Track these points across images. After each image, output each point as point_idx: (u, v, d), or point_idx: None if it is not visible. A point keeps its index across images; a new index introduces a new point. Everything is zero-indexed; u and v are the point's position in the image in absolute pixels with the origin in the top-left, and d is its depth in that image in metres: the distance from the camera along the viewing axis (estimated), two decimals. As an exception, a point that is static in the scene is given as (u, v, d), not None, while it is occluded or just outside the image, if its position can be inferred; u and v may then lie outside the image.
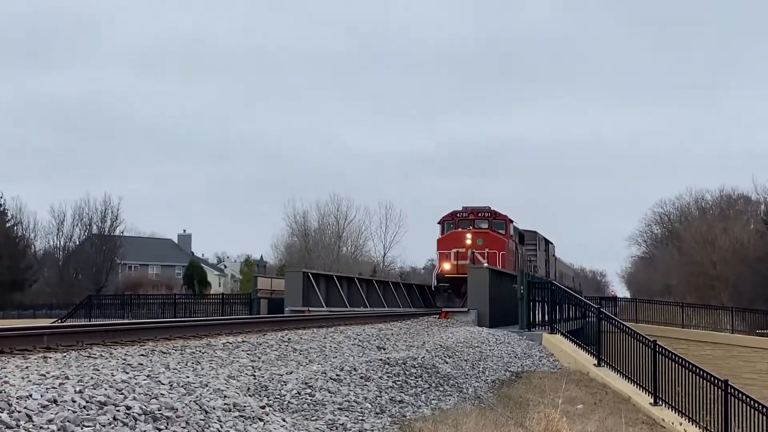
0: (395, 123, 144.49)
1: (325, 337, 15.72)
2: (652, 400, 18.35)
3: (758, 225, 64.58)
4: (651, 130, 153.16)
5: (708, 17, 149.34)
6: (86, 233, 79.27)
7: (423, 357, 14.12)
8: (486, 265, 31.26)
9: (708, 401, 18.63)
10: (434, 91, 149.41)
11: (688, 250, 66.70)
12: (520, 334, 23.27)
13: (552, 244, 54.12)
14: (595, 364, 20.51)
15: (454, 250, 34.16)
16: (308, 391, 9.68)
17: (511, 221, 37.40)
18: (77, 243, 79.00)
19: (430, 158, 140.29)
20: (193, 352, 11.45)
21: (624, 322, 23.57)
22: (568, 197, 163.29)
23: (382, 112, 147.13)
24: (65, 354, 10.33)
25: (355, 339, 16.13)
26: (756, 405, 19.08)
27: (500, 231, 36.03)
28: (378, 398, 10.51)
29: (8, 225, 70.15)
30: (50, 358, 9.85)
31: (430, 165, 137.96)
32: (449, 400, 12.18)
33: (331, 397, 9.76)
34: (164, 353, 11.07)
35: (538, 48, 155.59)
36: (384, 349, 15.39)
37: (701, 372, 18.81)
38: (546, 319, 24.35)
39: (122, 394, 7.21)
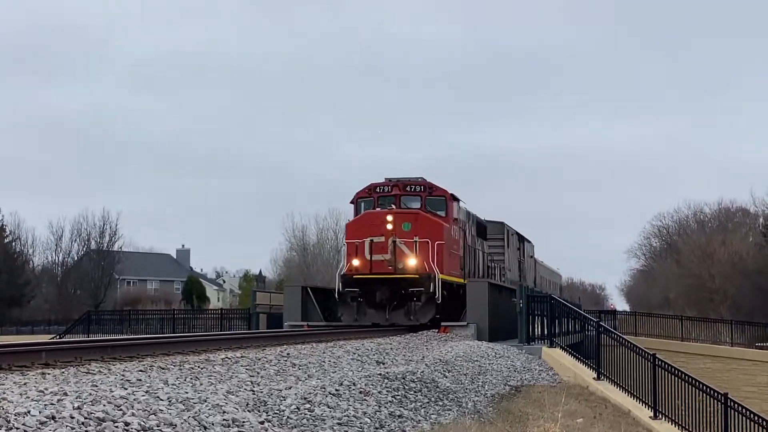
0: (394, 135, 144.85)
1: (324, 352, 15.69)
2: (651, 414, 18.32)
3: (757, 238, 64.62)
4: (648, 142, 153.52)
5: (706, 30, 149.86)
6: (85, 249, 79.29)
7: (422, 371, 14.10)
8: (414, 261, 24.33)
9: (708, 414, 18.61)
10: (432, 102, 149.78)
11: (686, 263, 66.67)
12: (520, 348, 23.22)
13: (529, 242, 45.32)
14: (594, 378, 20.48)
15: (369, 239, 24.41)
16: (307, 406, 9.65)
17: (457, 200, 27.45)
18: (75, 258, 79.00)
19: (428, 170, 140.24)
20: (192, 368, 11.42)
21: (623, 336, 23.57)
22: (566, 210, 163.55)
23: (380, 124, 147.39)
24: (63, 370, 10.31)
25: (354, 353, 16.11)
26: (756, 418, 19.06)
27: (439, 212, 26.09)
28: (377, 413, 10.49)
29: (6, 241, 70.11)
30: (48, 374, 9.83)
31: (428, 177, 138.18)
32: (449, 414, 12.15)
33: (331, 412, 9.74)
34: (163, 369, 11.05)
35: (535, 60, 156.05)
36: (383, 364, 15.36)
37: (701, 385, 18.79)
38: (545, 332, 24.33)
39: (121, 410, 7.20)
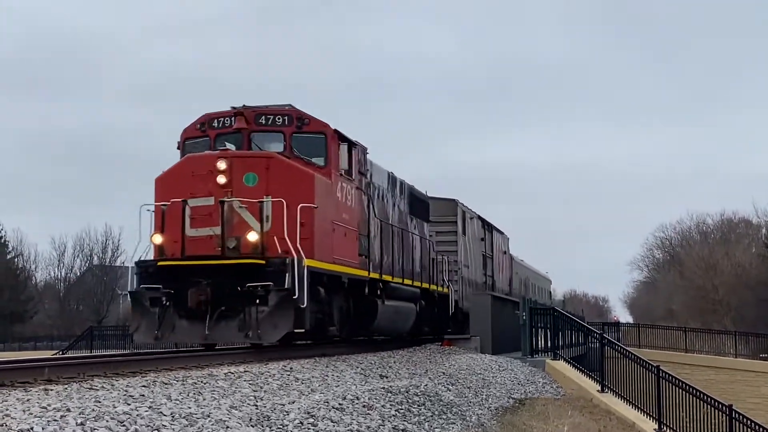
0: (395, 148, 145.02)
1: (327, 366, 15.66)
2: (656, 426, 18.28)
3: (760, 249, 64.55)
4: (651, 153, 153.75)
5: (707, 40, 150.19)
6: (87, 264, 79.33)
7: (426, 385, 14.07)
8: (255, 235, 14.50)
9: (712, 426, 18.58)
10: (432, 116, 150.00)
11: (690, 274, 66.63)
12: (523, 361, 23.20)
13: (501, 233, 35.46)
14: (598, 390, 20.43)
15: (186, 200, 14.91)
16: (311, 420, 9.63)
17: (352, 144, 17.54)
18: (78, 274, 79.04)
19: (429, 183, 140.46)
20: (195, 383, 11.39)
21: (627, 348, 23.53)
22: (568, 221, 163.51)
23: (381, 137, 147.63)
24: (66, 386, 10.28)
25: (358, 367, 16.08)
26: (761, 430, 19.02)
27: (314, 159, 16.25)
28: (381, 427, 10.46)
29: (9, 257, 70.18)
30: (51, 390, 9.80)
31: (430, 190, 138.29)
32: (452, 428, 12.12)
33: (334, 426, 9.72)
34: (166, 384, 11.02)
35: (537, 72, 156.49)
36: (386, 378, 15.33)
37: (705, 397, 18.76)
38: (549, 345, 24.31)
39: (124, 426, 7.20)
